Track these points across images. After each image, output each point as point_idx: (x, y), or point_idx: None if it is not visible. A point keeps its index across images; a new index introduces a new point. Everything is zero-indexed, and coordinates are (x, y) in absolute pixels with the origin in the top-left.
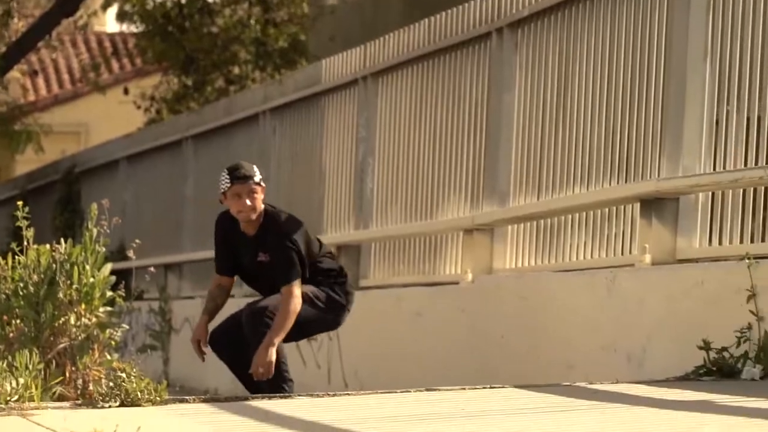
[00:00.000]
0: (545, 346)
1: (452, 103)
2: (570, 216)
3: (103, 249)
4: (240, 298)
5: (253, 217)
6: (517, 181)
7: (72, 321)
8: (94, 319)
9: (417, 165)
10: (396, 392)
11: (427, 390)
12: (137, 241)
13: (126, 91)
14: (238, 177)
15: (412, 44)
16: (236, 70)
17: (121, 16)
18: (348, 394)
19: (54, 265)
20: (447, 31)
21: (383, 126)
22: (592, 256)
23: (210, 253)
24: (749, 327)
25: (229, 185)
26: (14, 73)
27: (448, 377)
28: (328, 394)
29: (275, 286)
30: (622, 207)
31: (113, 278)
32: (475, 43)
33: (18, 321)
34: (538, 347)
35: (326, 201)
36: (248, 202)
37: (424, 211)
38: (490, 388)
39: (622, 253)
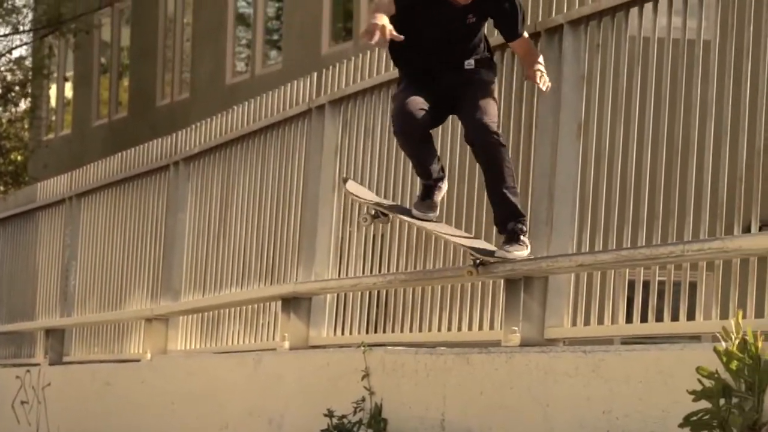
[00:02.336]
0: (206, 411)
1: (139, 219)
2: (228, 310)
3: None
4: None
5: None
6: (187, 282)
7: None
8: None
9: (110, 267)
10: None
11: None
12: None
13: None
14: None
15: (109, 172)
16: None
17: None
18: None
19: None
20: (136, 163)
21: (84, 236)
22: (244, 342)
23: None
24: (363, 399)
25: None
26: None
27: None
28: None
29: (451, 56)
30: (268, 304)
31: None
32: (158, 172)
33: None
34: (201, 412)
35: (38, 293)
36: None
37: (115, 303)
38: None
39: (267, 340)
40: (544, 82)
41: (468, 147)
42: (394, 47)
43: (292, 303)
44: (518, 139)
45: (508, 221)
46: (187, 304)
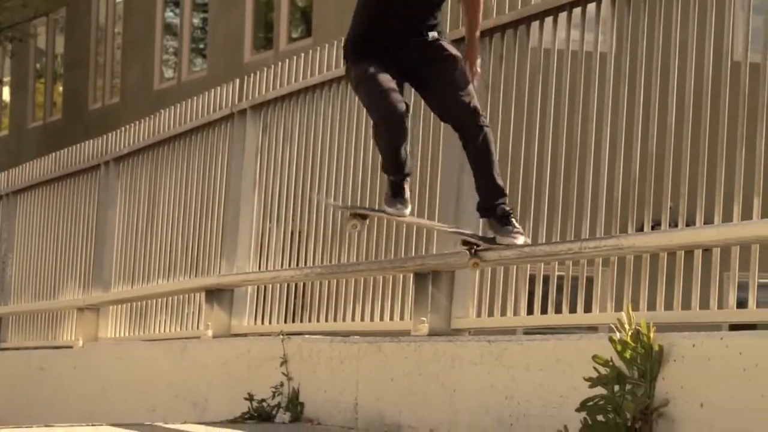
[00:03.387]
0: (135, 394)
1: (71, 214)
2: (155, 300)
3: None
4: None
5: None
6: (117, 274)
7: None
8: None
9: (45, 259)
10: (22, 427)
11: (45, 425)
12: None
13: None
14: None
15: (44, 171)
16: None
17: None
18: None
19: None
20: (69, 162)
21: (20, 230)
22: (170, 330)
23: None
24: (281, 384)
25: None
26: None
27: (64, 416)
28: None
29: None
30: (193, 295)
31: None
32: (89, 171)
33: None
34: (130, 395)
35: None
36: None
37: (49, 293)
38: (92, 425)
39: (192, 328)
40: (476, 72)
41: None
42: (358, 21)
43: (216, 294)
44: (427, 139)
45: (499, 204)
46: (116, 294)
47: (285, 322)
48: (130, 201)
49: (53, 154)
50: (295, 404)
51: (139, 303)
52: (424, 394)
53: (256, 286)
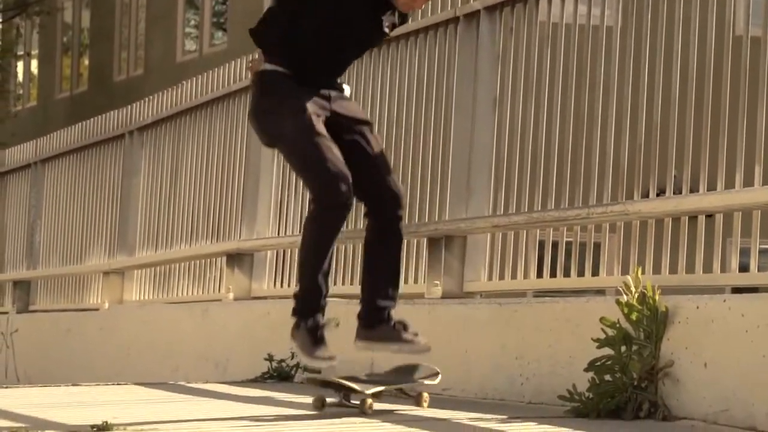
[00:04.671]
0: (159, 356)
1: (97, 182)
2: (178, 264)
3: None
4: None
5: None
6: (142, 239)
7: None
8: None
9: (72, 225)
10: (51, 385)
11: (73, 384)
12: None
13: None
14: None
15: (71, 140)
16: None
17: None
18: (17, 386)
19: None
20: (95, 132)
21: (48, 197)
22: (192, 293)
23: None
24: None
25: None
26: None
27: (90, 376)
28: (3, 386)
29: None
30: (214, 259)
31: None
32: (114, 141)
33: None
34: (154, 356)
35: (6, 248)
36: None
37: (76, 257)
38: (118, 384)
39: (214, 291)
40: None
41: None
42: (290, 41)
43: (236, 258)
44: (439, 110)
45: (393, 303)
46: (141, 259)
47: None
48: (153, 169)
49: (79, 123)
50: None
51: (163, 267)
52: (438, 355)
53: (275, 251)
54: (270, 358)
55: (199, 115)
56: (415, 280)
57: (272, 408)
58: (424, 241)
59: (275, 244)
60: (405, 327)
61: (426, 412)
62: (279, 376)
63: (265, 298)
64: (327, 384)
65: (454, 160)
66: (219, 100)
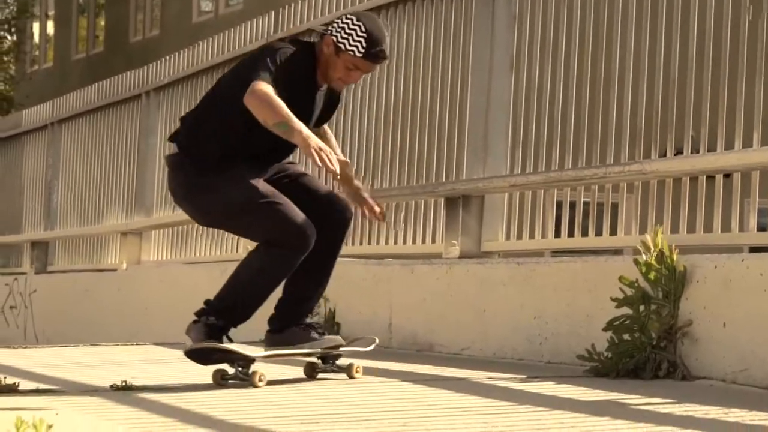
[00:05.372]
0: (176, 315)
1: (114, 143)
2: (194, 225)
3: None
4: None
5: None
6: (159, 199)
7: None
8: None
9: (89, 186)
10: (69, 346)
11: (91, 345)
12: None
13: None
14: (380, 57)
15: (87, 101)
16: None
17: None
18: (36, 347)
19: None
20: (112, 92)
21: (65, 158)
22: (210, 254)
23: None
24: (319, 306)
25: (361, 56)
26: None
27: (108, 336)
28: (22, 346)
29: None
30: None
31: None
32: (131, 101)
33: None
34: (171, 316)
35: (24, 209)
36: (358, 80)
37: (94, 218)
38: (136, 344)
39: (231, 252)
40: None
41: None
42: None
43: None
44: (456, 70)
45: (311, 313)
46: (158, 219)
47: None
48: (170, 129)
49: (96, 84)
50: (331, 324)
51: (180, 227)
52: (456, 314)
53: None
54: None
55: (215, 74)
56: (433, 240)
57: (291, 367)
58: (442, 201)
59: None
60: (314, 327)
61: (445, 371)
62: None
63: None
64: (210, 352)
65: (471, 119)
66: (235, 60)
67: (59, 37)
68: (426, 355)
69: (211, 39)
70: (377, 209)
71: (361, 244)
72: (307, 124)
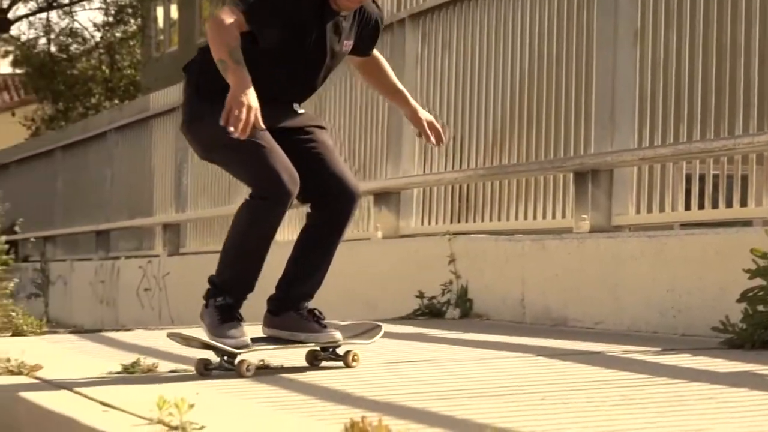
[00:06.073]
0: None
1: None
2: None
3: None
4: None
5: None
6: None
7: None
8: None
9: (218, 167)
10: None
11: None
12: (21, 219)
13: (13, 114)
14: None
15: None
16: (92, 100)
17: (14, 63)
18: (171, 328)
19: None
20: None
21: None
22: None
23: (77, 229)
24: (450, 282)
25: None
26: None
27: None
28: (159, 328)
29: (314, 86)
30: (362, 198)
31: (6, 246)
32: None
33: None
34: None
35: (154, 192)
36: None
37: (223, 199)
38: None
39: (361, 231)
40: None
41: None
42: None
43: (383, 197)
44: (581, 44)
45: (310, 298)
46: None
47: (450, 222)
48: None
49: None
50: (464, 301)
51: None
52: (588, 289)
53: (421, 189)
54: (420, 295)
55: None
56: (563, 215)
57: (425, 344)
58: (570, 176)
59: (421, 182)
60: (316, 316)
61: (580, 345)
62: (431, 312)
63: (413, 236)
64: (188, 341)
65: (597, 93)
66: None
67: (183, 21)
68: (559, 329)
69: None
70: (432, 136)
71: (491, 220)
72: (320, 57)
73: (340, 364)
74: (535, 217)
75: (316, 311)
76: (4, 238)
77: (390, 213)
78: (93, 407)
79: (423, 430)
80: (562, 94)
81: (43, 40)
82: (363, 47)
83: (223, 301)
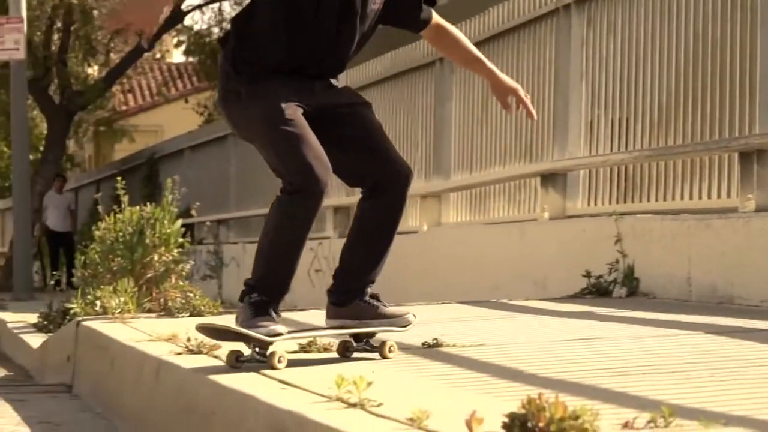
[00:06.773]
0: (477, 275)
1: (410, 109)
2: (492, 186)
3: (175, 209)
4: None
5: None
6: (456, 163)
7: (155, 258)
8: (170, 257)
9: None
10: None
11: (396, 305)
12: (197, 203)
13: (186, 101)
14: None
15: (381, 70)
16: None
17: (187, 52)
18: None
19: (142, 221)
20: (406, 60)
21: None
22: (508, 214)
23: (249, 212)
24: (617, 261)
25: None
26: (113, 90)
27: (407, 296)
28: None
29: (343, 57)
30: (528, 180)
31: (182, 229)
32: (426, 68)
33: (119, 258)
34: (473, 276)
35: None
36: None
37: None
38: (442, 303)
39: (528, 212)
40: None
41: None
42: (272, 35)
43: (550, 178)
44: (745, 26)
45: (372, 284)
46: (456, 182)
47: (616, 203)
48: (465, 94)
49: (389, 53)
50: (630, 279)
51: (478, 189)
52: (755, 266)
53: (587, 170)
54: (588, 275)
55: (505, 40)
56: (728, 194)
57: (593, 322)
58: (736, 155)
59: (588, 164)
60: (380, 302)
61: (747, 323)
62: (598, 291)
63: (579, 216)
64: (221, 333)
65: (762, 74)
66: (525, 25)
67: None
68: (726, 307)
69: (501, 5)
70: (521, 107)
71: (656, 200)
72: (348, 15)
73: (510, 340)
74: (700, 197)
75: (377, 295)
76: (180, 221)
77: (557, 194)
78: (271, 384)
79: (598, 406)
80: (726, 74)
81: (215, 29)
82: (406, 9)
83: (258, 298)
